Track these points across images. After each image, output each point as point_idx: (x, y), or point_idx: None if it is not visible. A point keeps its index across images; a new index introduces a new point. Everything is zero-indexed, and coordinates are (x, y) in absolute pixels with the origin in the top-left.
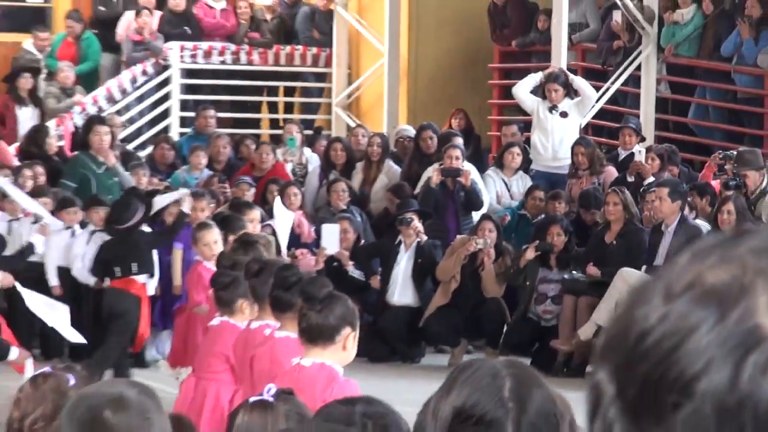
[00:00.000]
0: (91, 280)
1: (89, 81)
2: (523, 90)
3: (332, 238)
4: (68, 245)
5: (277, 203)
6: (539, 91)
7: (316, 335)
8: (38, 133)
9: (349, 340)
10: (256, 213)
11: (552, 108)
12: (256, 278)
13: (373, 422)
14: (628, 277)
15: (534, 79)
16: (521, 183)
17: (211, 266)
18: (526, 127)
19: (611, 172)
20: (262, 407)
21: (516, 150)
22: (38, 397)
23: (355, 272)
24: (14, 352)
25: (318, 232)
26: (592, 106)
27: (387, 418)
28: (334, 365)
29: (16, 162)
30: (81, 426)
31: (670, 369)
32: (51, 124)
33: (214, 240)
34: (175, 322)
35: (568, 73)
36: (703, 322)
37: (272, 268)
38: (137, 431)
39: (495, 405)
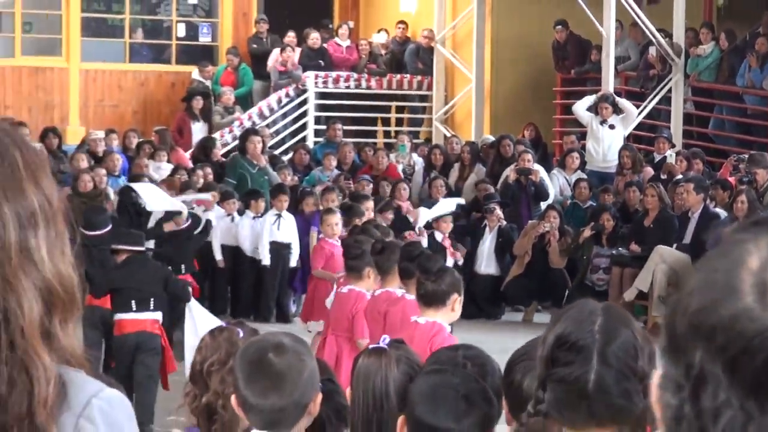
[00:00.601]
0: (257, 255)
1: (244, 102)
2: (580, 107)
3: None
4: (229, 228)
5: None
6: (593, 109)
7: (430, 300)
8: (207, 143)
9: (456, 303)
10: (371, 203)
11: (603, 122)
12: (379, 255)
13: (472, 362)
14: (662, 252)
15: (589, 100)
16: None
17: (333, 242)
18: (582, 136)
19: (648, 171)
20: (378, 353)
21: (575, 155)
22: (215, 346)
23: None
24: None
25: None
26: (634, 120)
27: (483, 359)
28: (443, 323)
29: (191, 164)
30: (250, 364)
31: None
32: (216, 135)
33: (335, 222)
34: (308, 287)
35: (615, 96)
36: None
37: (393, 247)
38: (294, 369)
39: (586, 335)
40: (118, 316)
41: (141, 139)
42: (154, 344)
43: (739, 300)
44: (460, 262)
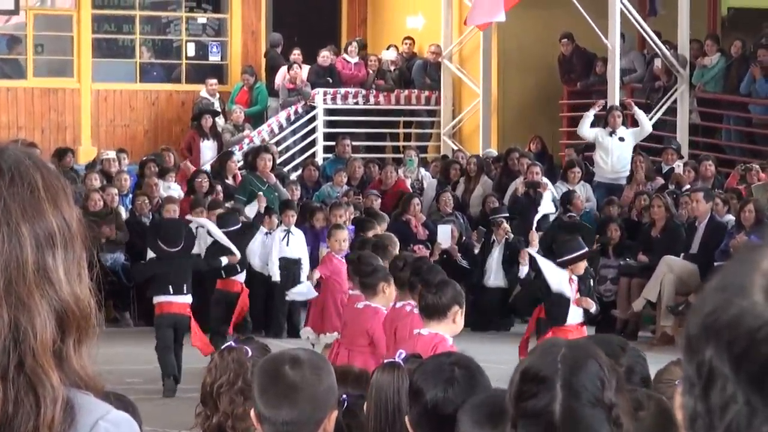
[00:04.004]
0: (266, 271)
1: (259, 120)
2: (584, 129)
3: (446, 236)
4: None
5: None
6: (601, 121)
7: (432, 312)
8: (225, 157)
9: (457, 315)
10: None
11: (611, 132)
12: (401, 272)
13: (459, 367)
14: (669, 262)
15: (589, 117)
16: (583, 191)
17: (339, 257)
18: (588, 147)
19: (658, 181)
20: (391, 367)
21: (576, 168)
22: (223, 367)
23: (462, 261)
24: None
25: (432, 232)
26: (645, 134)
27: (472, 366)
28: (446, 335)
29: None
30: (266, 375)
31: None
32: (234, 150)
33: (343, 238)
34: (318, 298)
35: (633, 105)
36: None
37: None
38: (308, 383)
39: (548, 365)
40: (157, 298)
41: (145, 157)
42: (186, 323)
43: (747, 298)
44: (592, 310)
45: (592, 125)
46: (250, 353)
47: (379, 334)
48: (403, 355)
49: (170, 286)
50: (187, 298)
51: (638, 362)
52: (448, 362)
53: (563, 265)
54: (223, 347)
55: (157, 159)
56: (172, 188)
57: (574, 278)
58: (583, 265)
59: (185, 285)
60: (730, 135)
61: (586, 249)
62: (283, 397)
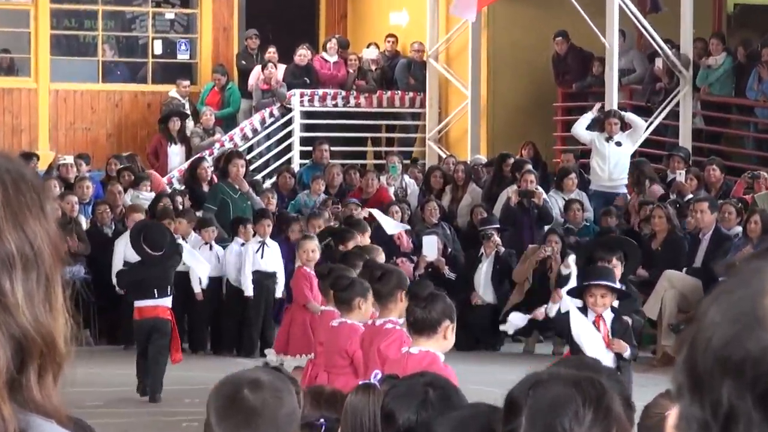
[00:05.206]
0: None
1: (231, 123)
2: (580, 128)
3: (431, 248)
4: (207, 258)
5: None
6: (597, 125)
7: (420, 327)
8: (196, 162)
9: (448, 330)
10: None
11: (608, 138)
12: (378, 282)
13: (433, 388)
14: (671, 277)
15: (587, 117)
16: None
17: (309, 269)
18: (584, 154)
19: (656, 189)
20: (366, 389)
21: (572, 176)
22: None
23: (451, 275)
24: None
25: (417, 243)
26: (642, 136)
27: (447, 386)
28: (437, 352)
29: (168, 189)
30: (223, 399)
31: None
32: (206, 154)
33: (312, 249)
34: (283, 319)
35: (620, 111)
36: None
37: (392, 273)
38: (269, 407)
39: (521, 392)
40: (139, 303)
41: (120, 166)
42: (165, 328)
43: (766, 331)
44: (626, 355)
45: (589, 129)
46: None
47: (359, 353)
48: (378, 376)
49: (155, 290)
50: (168, 301)
51: (616, 385)
52: (421, 383)
53: (579, 292)
54: None
55: (133, 166)
56: (142, 197)
57: (607, 317)
58: (605, 301)
59: (168, 287)
60: (736, 141)
61: (612, 284)
62: (243, 424)
